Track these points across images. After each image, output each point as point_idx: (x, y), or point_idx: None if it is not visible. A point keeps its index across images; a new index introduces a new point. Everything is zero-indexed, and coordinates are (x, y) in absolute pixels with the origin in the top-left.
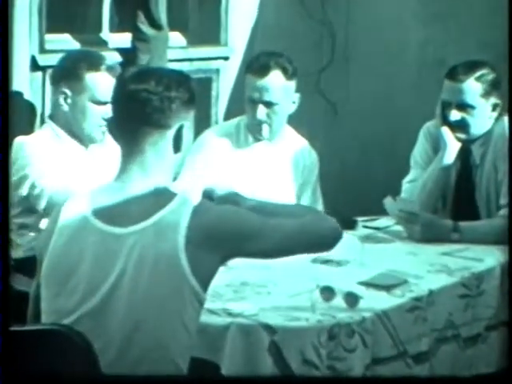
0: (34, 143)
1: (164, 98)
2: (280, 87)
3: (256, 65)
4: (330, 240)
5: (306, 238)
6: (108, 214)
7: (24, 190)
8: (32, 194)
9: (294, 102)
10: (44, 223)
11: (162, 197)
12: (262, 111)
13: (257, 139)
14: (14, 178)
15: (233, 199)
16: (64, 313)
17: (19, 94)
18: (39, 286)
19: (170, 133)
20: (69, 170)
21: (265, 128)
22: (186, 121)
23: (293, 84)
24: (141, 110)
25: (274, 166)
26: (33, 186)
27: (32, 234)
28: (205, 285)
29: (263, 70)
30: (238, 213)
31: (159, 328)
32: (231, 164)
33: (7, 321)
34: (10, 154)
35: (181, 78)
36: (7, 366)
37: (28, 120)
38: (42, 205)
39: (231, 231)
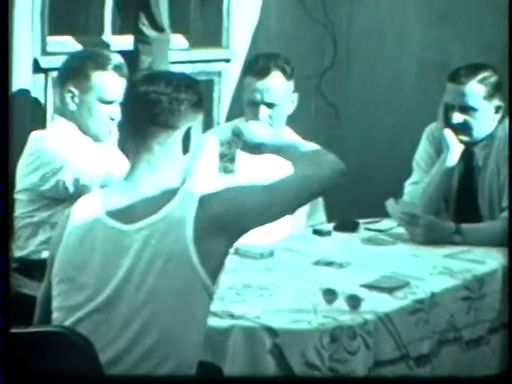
0: (54, 136)
1: (173, 99)
2: (280, 88)
3: (256, 66)
4: (337, 175)
5: (311, 187)
6: (117, 212)
7: (52, 182)
8: (68, 185)
9: (292, 102)
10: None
11: (167, 193)
12: (264, 112)
13: None
14: (38, 173)
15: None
16: (74, 308)
17: (24, 92)
18: (49, 288)
19: (179, 133)
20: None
21: None
22: (195, 122)
23: (291, 84)
24: (150, 111)
25: (273, 167)
26: (73, 176)
27: (35, 235)
28: (214, 277)
29: (263, 72)
30: (241, 192)
31: (170, 322)
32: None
33: (7, 323)
34: (9, 154)
35: (189, 81)
36: (7, 368)
37: (33, 119)
38: (86, 189)
39: (236, 213)
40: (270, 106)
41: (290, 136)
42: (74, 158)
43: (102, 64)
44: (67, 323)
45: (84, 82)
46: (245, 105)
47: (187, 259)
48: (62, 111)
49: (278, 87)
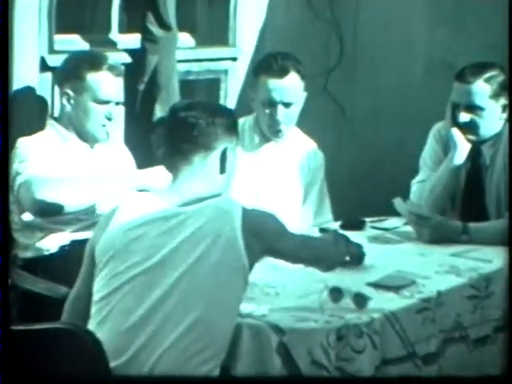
0: (32, 143)
1: (209, 123)
2: (297, 88)
3: (274, 66)
4: (326, 265)
5: (312, 251)
6: (165, 200)
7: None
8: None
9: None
10: (51, 222)
11: (211, 195)
12: (281, 112)
13: (266, 140)
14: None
15: None
16: (120, 273)
17: (31, 90)
18: (88, 281)
19: (215, 153)
20: (56, 163)
21: (284, 128)
22: (230, 144)
23: (303, 85)
24: (190, 133)
25: (281, 166)
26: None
27: (39, 233)
28: (251, 265)
29: (282, 72)
30: (272, 216)
31: (207, 299)
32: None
33: (8, 320)
34: (10, 155)
35: (224, 108)
36: (10, 365)
37: (40, 117)
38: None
39: (270, 228)
40: (288, 105)
41: None
42: (25, 165)
43: (96, 64)
44: (111, 288)
45: (79, 83)
46: (258, 104)
47: (235, 243)
48: (60, 114)
49: (295, 87)
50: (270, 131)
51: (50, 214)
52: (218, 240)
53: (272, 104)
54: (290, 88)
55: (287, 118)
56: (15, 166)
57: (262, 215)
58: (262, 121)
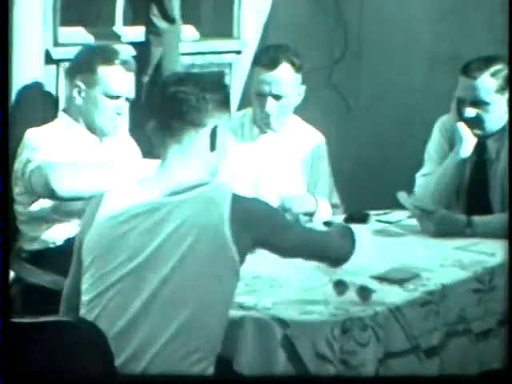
0: (41, 133)
1: (200, 98)
2: (289, 80)
3: (265, 58)
4: (334, 260)
5: (314, 248)
6: (152, 191)
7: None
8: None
9: (299, 94)
10: (58, 213)
11: (198, 184)
12: (271, 104)
13: (263, 131)
14: (19, 166)
15: None
16: (106, 274)
17: (36, 83)
18: (76, 275)
19: (205, 131)
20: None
21: (273, 121)
22: (221, 121)
23: (299, 77)
24: (178, 109)
25: (282, 156)
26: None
27: (46, 225)
28: (241, 258)
29: (272, 63)
30: (269, 206)
31: (197, 295)
32: (238, 157)
33: (7, 313)
34: (10, 151)
35: (216, 82)
36: (10, 358)
37: (44, 110)
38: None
39: (264, 219)
40: (278, 97)
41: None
42: (37, 153)
43: (109, 58)
44: (98, 291)
45: (90, 77)
46: (252, 95)
47: (222, 234)
48: (69, 106)
49: (287, 79)
50: (258, 122)
51: (65, 197)
52: (205, 232)
53: (261, 95)
54: (281, 80)
55: (278, 110)
56: (26, 154)
57: (254, 204)
58: (255, 112)
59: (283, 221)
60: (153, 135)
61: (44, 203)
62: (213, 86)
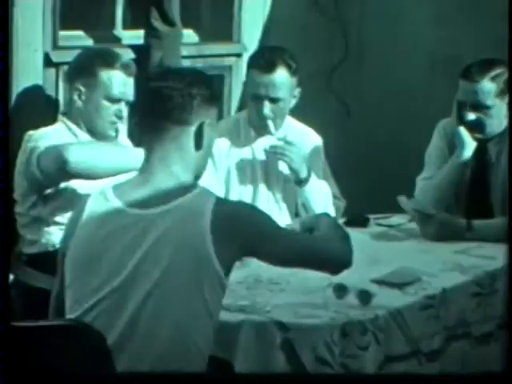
0: (42, 132)
1: (185, 94)
2: (285, 83)
3: (261, 61)
4: (335, 266)
5: (312, 255)
6: (134, 203)
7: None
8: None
9: (295, 97)
10: (58, 215)
11: (181, 188)
12: (267, 107)
13: (260, 134)
14: (23, 158)
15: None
16: (88, 294)
17: (35, 87)
18: (62, 281)
19: (191, 129)
20: None
21: (270, 124)
22: (207, 118)
23: (295, 79)
24: (163, 106)
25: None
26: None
27: (46, 228)
28: (227, 270)
29: (269, 66)
30: (257, 213)
31: (180, 308)
32: (234, 160)
33: (8, 317)
34: (10, 153)
35: (202, 77)
36: (11, 362)
37: (43, 113)
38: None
39: (250, 227)
40: (274, 101)
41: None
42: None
43: (109, 62)
44: (82, 310)
45: (91, 80)
46: (248, 98)
47: (203, 247)
48: (69, 110)
49: (283, 82)
50: (254, 126)
51: (77, 170)
52: (185, 245)
53: (258, 99)
54: (277, 83)
55: (274, 113)
56: (30, 144)
57: (241, 211)
58: (251, 115)
59: (273, 227)
60: (136, 133)
61: (43, 204)
62: (198, 80)
